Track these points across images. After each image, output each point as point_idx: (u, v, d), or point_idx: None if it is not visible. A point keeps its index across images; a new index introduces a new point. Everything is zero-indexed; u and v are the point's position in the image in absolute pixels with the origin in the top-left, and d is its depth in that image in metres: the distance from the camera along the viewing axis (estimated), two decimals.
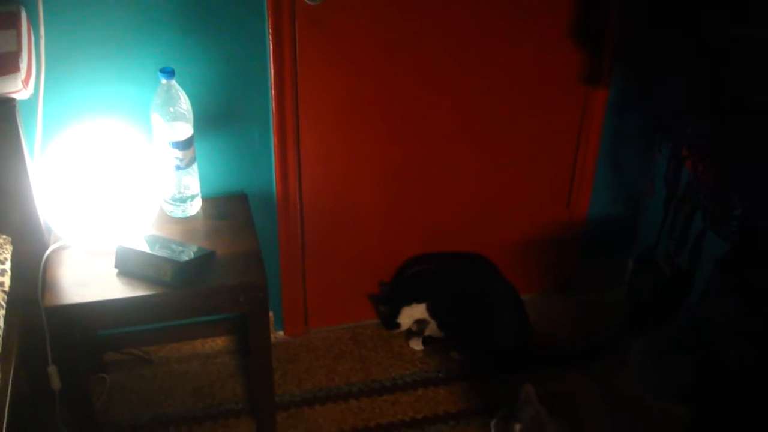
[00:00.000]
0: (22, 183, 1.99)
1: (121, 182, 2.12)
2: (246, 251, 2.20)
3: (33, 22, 2.02)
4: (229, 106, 2.34)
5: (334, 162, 2.52)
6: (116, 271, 2.09)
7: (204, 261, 2.12)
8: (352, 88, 2.42)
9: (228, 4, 2.20)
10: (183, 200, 2.28)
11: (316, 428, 2.47)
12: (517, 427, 2.17)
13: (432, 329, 2.72)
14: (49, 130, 2.16)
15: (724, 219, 2.14)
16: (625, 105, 2.64)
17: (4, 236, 2.00)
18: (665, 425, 2.20)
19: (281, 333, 2.79)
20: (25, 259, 2.03)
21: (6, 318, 1.81)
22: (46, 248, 2.12)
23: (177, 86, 2.14)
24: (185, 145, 2.19)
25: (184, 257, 2.07)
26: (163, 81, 2.11)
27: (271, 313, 2.67)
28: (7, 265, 1.91)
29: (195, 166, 2.27)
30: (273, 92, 2.34)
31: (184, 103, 2.16)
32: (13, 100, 1.90)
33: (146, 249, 2.08)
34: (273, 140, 2.42)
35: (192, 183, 2.28)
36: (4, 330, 1.80)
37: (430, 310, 2.67)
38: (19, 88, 1.85)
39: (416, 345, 2.75)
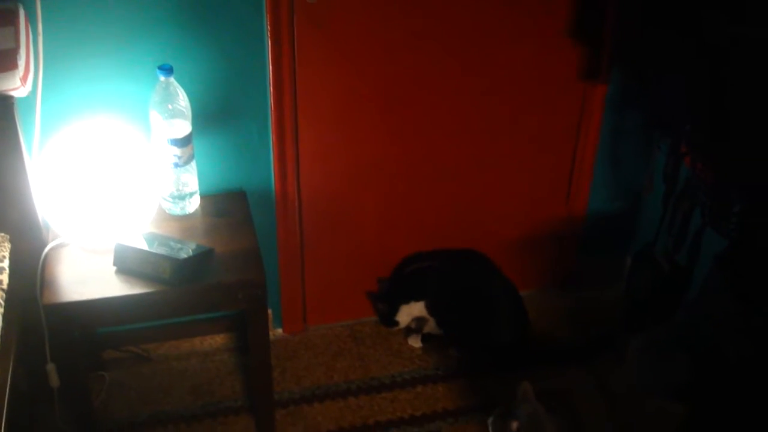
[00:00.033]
0: (21, 181, 1.99)
1: (119, 180, 2.12)
2: (245, 249, 2.20)
3: (31, 19, 2.02)
4: (227, 104, 2.34)
5: (333, 159, 2.52)
6: (115, 268, 2.09)
7: (202, 258, 2.12)
8: (351, 86, 2.42)
9: (227, 1, 2.19)
10: (181, 197, 2.28)
11: (315, 426, 2.47)
12: (515, 424, 2.17)
13: (431, 327, 2.72)
14: (47, 127, 2.16)
15: (723, 216, 2.14)
16: (624, 102, 2.64)
17: (3, 234, 1.99)
18: (663, 422, 2.20)
19: (280, 330, 2.79)
20: (23, 257, 2.03)
21: (4, 316, 1.81)
22: (45, 246, 2.12)
23: (175, 83, 2.14)
24: (184, 142, 2.19)
25: (183, 255, 2.07)
26: (162, 78, 2.11)
27: (269, 311, 2.66)
28: (6, 263, 1.91)
29: (193, 164, 2.26)
30: (271, 89, 2.34)
31: (183, 101, 2.16)
32: (11, 97, 1.90)
33: (145, 246, 2.07)
34: (271, 137, 2.42)
35: (190, 180, 2.28)
36: (3, 328, 1.79)
37: (429, 308, 2.66)
38: (17, 86, 1.85)
39: (415, 342, 2.75)
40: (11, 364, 1.84)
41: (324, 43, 2.32)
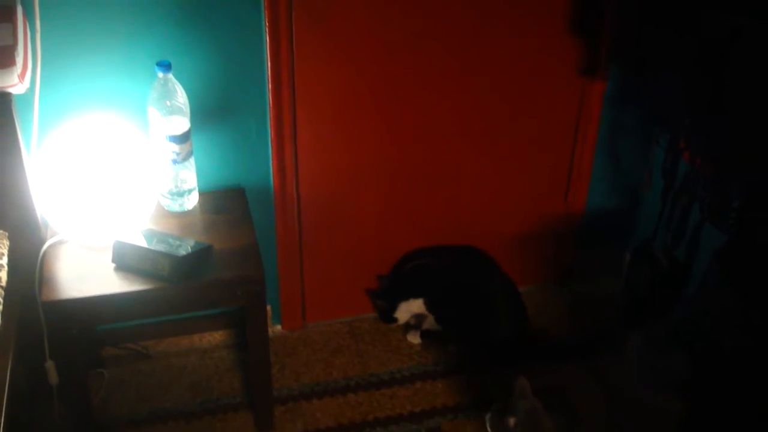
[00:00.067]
0: (19, 178, 1.99)
1: (118, 177, 2.11)
2: (243, 245, 2.20)
3: (29, 15, 2.02)
4: (226, 100, 2.34)
5: (332, 155, 2.52)
6: (113, 265, 2.09)
7: (201, 255, 2.12)
8: (349, 82, 2.41)
9: None
10: (180, 194, 2.28)
11: (314, 422, 2.47)
12: (512, 420, 2.17)
13: (430, 323, 2.72)
14: (45, 124, 2.15)
15: (721, 211, 2.14)
16: (623, 98, 2.64)
17: (1, 231, 1.99)
18: (662, 419, 2.20)
19: (279, 327, 2.79)
20: (22, 254, 2.03)
21: (3, 313, 1.81)
22: (43, 243, 2.12)
23: (174, 80, 2.13)
24: (182, 139, 2.18)
25: (182, 252, 2.06)
26: (160, 75, 2.10)
27: (268, 307, 2.66)
28: (4, 260, 1.91)
29: (192, 160, 2.26)
30: (270, 86, 2.33)
31: (181, 97, 2.16)
32: (9, 94, 1.90)
33: (143, 243, 2.07)
34: (270, 134, 2.41)
35: (189, 177, 2.28)
36: (2, 325, 1.79)
37: (428, 305, 2.66)
38: (15, 82, 1.84)
39: (414, 339, 2.75)
40: (10, 361, 1.84)
41: (322, 39, 2.31)
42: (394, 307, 2.68)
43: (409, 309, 2.68)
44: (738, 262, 2.09)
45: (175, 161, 2.21)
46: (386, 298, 2.71)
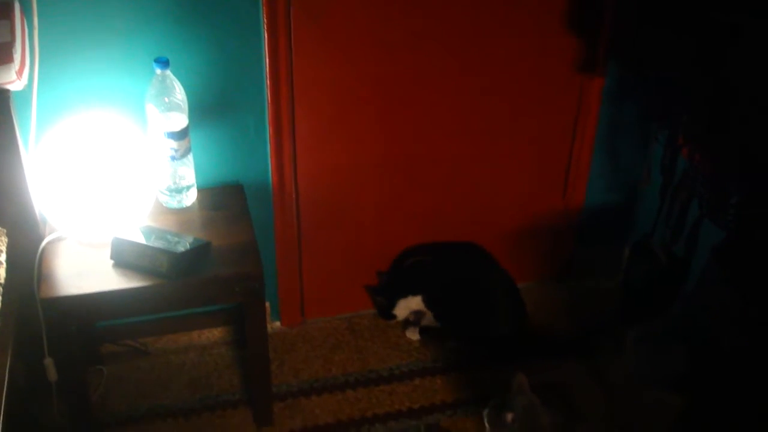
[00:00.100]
0: (17, 175, 1.99)
1: (116, 173, 2.11)
2: (242, 242, 2.20)
3: (26, 12, 2.01)
4: (224, 96, 2.34)
5: (330, 152, 2.51)
6: (112, 262, 2.09)
7: (200, 252, 2.12)
8: (348, 78, 2.41)
9: None
10: (178, 191, 2.28)
11: (313, 418, 2.47)
12: (509, 416, 2.17)
13: (429, 319, 2.72)
14: (43, 121, 2.15)
15: (720, 207, 2.14)
16: (621, 94, 2.64)
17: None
18: (661, 414, 2.20)
19: (278, 323, 2.79)
20: (20, 251, 2.02)
21: (2, 311, 1.81)
22: (42, 240, 2.12)
23: (172, 76, 2.13)
24: (180, 135, 2.18)
25: (180, 248, 2.06)
26: (158, 71, 2.10)
27: (267, 304, 2.66)
28: (3, 257, 1.91)
29: (190, 157, 2.26)
30: (268, 82, 2.33)
31: (179, 93, 2.15)
32: (7, 91, 1.89)
33: (142, 240, 2.07)
34: (268, 130, 2.41)
35: (187, 173, 2.28)
36: (0, 323, 1.79)
37: (426, 302, 2.66)
38: (12, 79, 1.84)
39: (413, 335, 2.75)
40: (9, 358, 1.84)
41: (321, 35, 2.31)
42: (392, 304, 2.68)
43: (408, 306, 2.68)
44: (736, 258, 2.09)
45: (173, 158, 2.21)
46: (385, 294, 2.71)
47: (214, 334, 2.74)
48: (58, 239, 2.16)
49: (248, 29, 2.25)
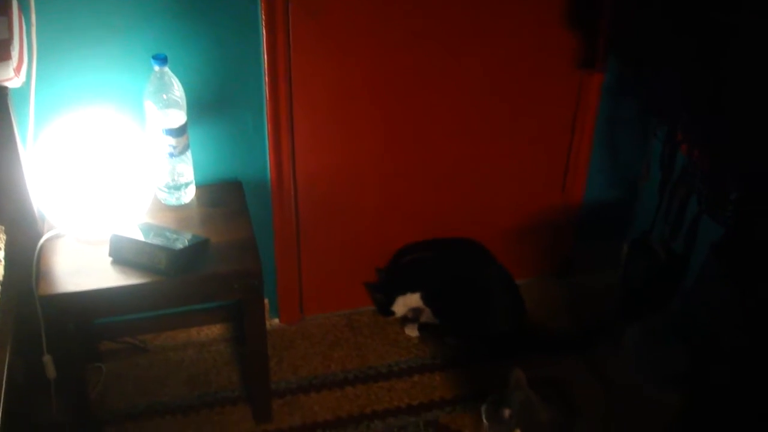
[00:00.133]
0: (15, 172, 1.99)
1: (114, 170, 2.11)
2: (240, 239, 2.20)
3: (24, 9, 2.01)
4: (222, 93, 2.33)
5: (329, 148, 2.51)
6: (110, 259, 2.09)
7: (198, 249, 2.12)
8: (346, 75, 2.41)
9: None
10: (177, 188, 2.28)
11: (312, 415, 2.47)
12: (507, 412, 2.17)
13: (427, 316, 2.72)
14: (41, 118, 2.15)
15: (719, 203, 2.13)
16: (620, 90, 2.64)
17: None
18: (660, 411, 2.20)
19: (276, 320, 2.79)
20: (18, 248, 2.02)
21: (0, 308, 1.81)
22: (40, 237, 2.12)
23: (170, 73, 2.13)
24: (179, 132, 2.18)
25: (179, 245, 2.06)
26: (156, 68, 2.10)
27: (266, 301, 2.66)
28: (1, 255, 1.90)
29: (189, 154, 2.26)
30: (267, 79, 2.33)
31: (178, 90, 2.15)
32: (5, 88, 1.89)
33: (140, 237, 2.07)
34: (267, 127, 2.41)
35: (186, 170, 2.27)
36: None
37: (425, 299, 2.66)
38: (10, 76, 1.84)
39: (412, 332, 2.75)
40: (7, 356, 1.84)
41: (319, 32, 2.31)
42: (391, 301, 2.68)
43: (406, 303, 2.68)
44: (735, 254, 2.09)
45: (171, 155, 2.20)
46: (384, 291, 2.71)
47: (213, 331, 2.74)
48: (57, 236, 2.16)
49: (246, 26, 2.25)
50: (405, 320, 2.78)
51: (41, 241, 2.11)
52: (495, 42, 2.47)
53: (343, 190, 2.60)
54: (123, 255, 2.07)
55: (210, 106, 2.33)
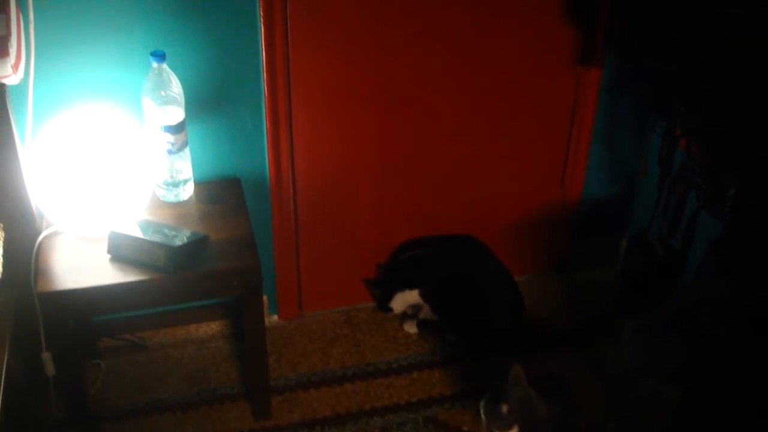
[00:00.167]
0: (14, 169, 1.99)
1: (113, 167, 2.11)
2: (239, 235, 2.20)
3: (22, 6, 2.01)
4: (221, 90, 2.33)
5: (327, 145, 2.51)
6: (109, 256, 2.09)
7: (197, 245, 2.12)
8: (345, 72, 2.41)
9: None
10: (175, 185, 2.28)
11: (311, 412, 2.47)
12: (504, 407, 2.17)
13: (426, 312, 2.72)
14: (39, 115, 2.15)
15: (718, 199, 2.13)
16: (619, 85, 2.64)
17: None
18: (659, 405, 2.20)
19: (275, 317, 2.79)
20: (17, 246, 2.02)
21: None
22: (39, 234, 2.11)
23: (168, 70, 2.13)
24: (177, 129, 2.18)
25: (177, 242, 2.06)
26: (154, 65, 2.10)
27: (265, 297, 2.66)
28: (0, 252, 1.90)
29: (187, 151, 2.26)
30: (265, 76, 2.33)
31: (176, 87, 2.15)
32: (3, 85, 1.89)
33: (139, 234, 2.07)
34: (265, 124, 2.41)
35: (184, 167, 2.27)
36: None
37: (423, 295, 2.66)
38: (8, 73, 1.84)
39: (410, 328, 2.75)
40: (6, 353, 1.84)
41: (317, 28, 2.31)
42: (389, 297, 2.68)
43: (405, 299, 2.68)
44: (734, 250, 2.09)
45: (170, 151, 2.20)
46: (382, 287, 2.71)
47: (212, 327, 2.74)
48: (55, 234, 2.15)
49: (245, 22, 2.25)
50: (404, 317, 2.78)
51: (40, 238, 2.10)
52: (493, 37, 2.46)
53: (341, 186, 2.60)
54: (121, 252, 2.07)
55: (208, 102, 2.33)
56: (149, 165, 2.21)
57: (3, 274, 1.87)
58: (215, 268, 2.10)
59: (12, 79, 1.87)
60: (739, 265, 2.06)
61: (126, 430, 2.39)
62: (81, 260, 2.09)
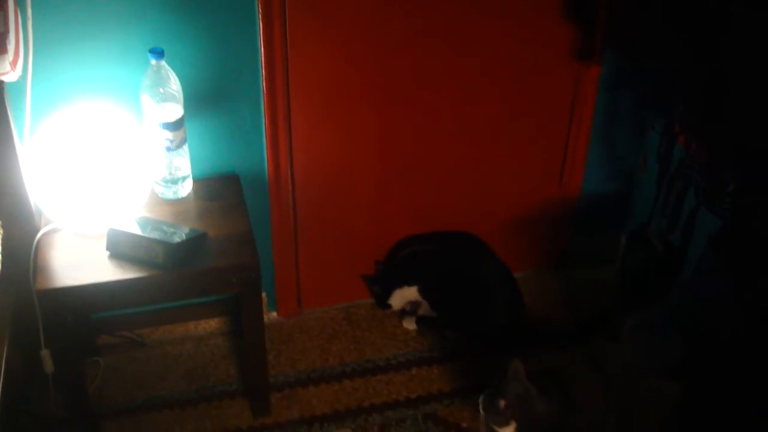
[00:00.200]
0: (12, 166, 1.99)
1: (111, 164, 2.11)
2: (238, 232, 2.20)
3: (20, 2, 2.00)
4: (219, 87, 2.33)
5: (326, 142, 2.51)
6: (108, 253, 2.09)
7: (196, 242, 2.12)
8: (343, 68, 2.40)
9: None
10: (174, 181, 2.27)
11: (310, 409, 2.47)
12: (502, 402, 2.17)
13: (425, 309, 2.72)
14: (38, 112, 2.14)
15: (717, 195, 2.13)
16: (618, 82, 2.64)
17: None
18: (658, 402, 2.20)
19: (274, 314, 2.79)
20: (16, 243, 2.02)
21: None
22: (37, 231, 2.11)
23: (167, 67, 2.12)
24: (176, 126, 2.18)
25: (176, 239, 2.06)
26: (153, 61, 2.09)
27: (264, 294, 2.66)
28: None
29: (186, 147, 2.25)
30: (264, 72, 2.32)
31: (174, 84, 2.15)
32: (1, 82, 1.89)
33: (138, 231, 2.07)
34: (264, 121, 2.41)
35: (183, 164, 2.27)
36: None
37: (422, 292, 2.67)
38: (6, 70, 1.83)
39: (409, 325, 2.75)
40: (5, 350, 1.84)
41: (316, 25, 2.30)
42: (388, 294, 2.68)
43: (404, 296, 2.68)
44: (733, 247, 2.09)
45: (168, 148, 2.20)
46: (381, 284, 2.71)
47: (211, 324, 2.74)
48: (54, 231, 2.15)
49: (243, 19, 2.25)
50: (403, 313, 2.78)
51: (38, 235, 2.10)
52: (492, 35, 2.46)
53: (340, 183, 2.60)
54: (120, 249, 2.07)
55: (207, 99, 2.33)
56: (148, 162, 2.21)
57: (2, 271, 1.87)
58: (214, 265, 2.10)
59: (10, 76, 1.86)
60: (738, 262, 2.06)
61: (125, 427, 2.39)
62: (80, 257, 2.08)
